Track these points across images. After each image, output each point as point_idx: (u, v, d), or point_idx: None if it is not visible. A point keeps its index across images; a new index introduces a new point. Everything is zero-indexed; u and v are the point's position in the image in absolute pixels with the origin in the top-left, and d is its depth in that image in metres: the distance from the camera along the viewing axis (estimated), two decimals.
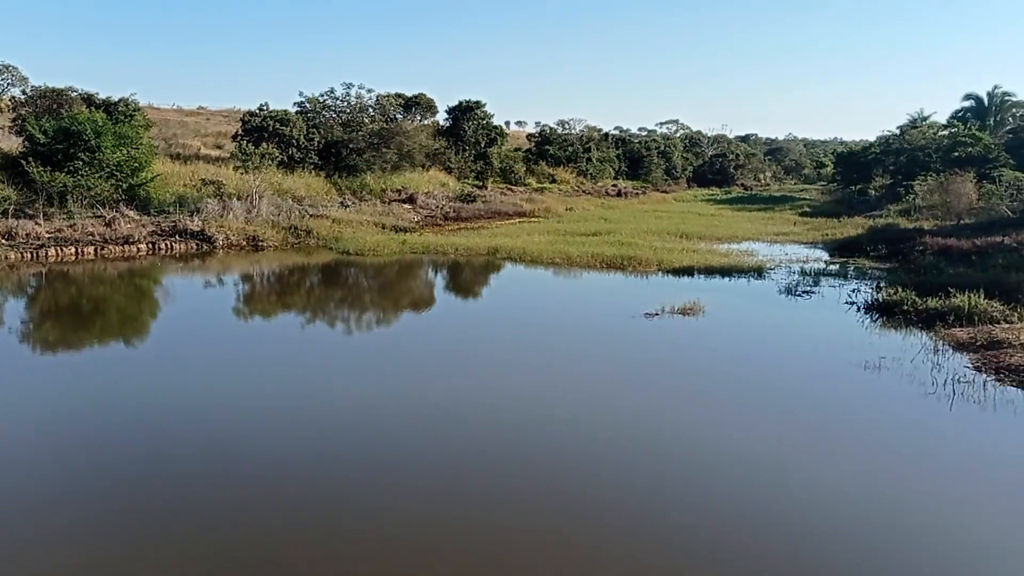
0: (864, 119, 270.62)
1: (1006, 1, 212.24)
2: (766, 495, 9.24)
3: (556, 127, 79.92)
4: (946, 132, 60.16)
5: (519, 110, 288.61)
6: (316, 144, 45.87)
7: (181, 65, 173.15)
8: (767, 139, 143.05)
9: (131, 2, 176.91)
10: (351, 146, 47.07)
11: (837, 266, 28.16)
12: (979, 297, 18.29)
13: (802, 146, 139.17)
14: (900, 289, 20.26)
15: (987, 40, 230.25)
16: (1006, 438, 11.45)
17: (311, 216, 35.95)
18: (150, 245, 29.20)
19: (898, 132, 67.31)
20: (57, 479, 9.37)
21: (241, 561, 7.65)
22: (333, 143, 46.95)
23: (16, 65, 49.06)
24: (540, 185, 64.67)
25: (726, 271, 26.07)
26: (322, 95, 49.13)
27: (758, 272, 26.06)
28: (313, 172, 44.61)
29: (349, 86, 49.50)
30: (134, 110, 37.49)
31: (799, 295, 22.15)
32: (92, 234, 28.65)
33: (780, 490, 9.43)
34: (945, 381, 13.63)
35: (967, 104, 65.14)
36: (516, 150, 68.92)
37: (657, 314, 18.94)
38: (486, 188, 55.67)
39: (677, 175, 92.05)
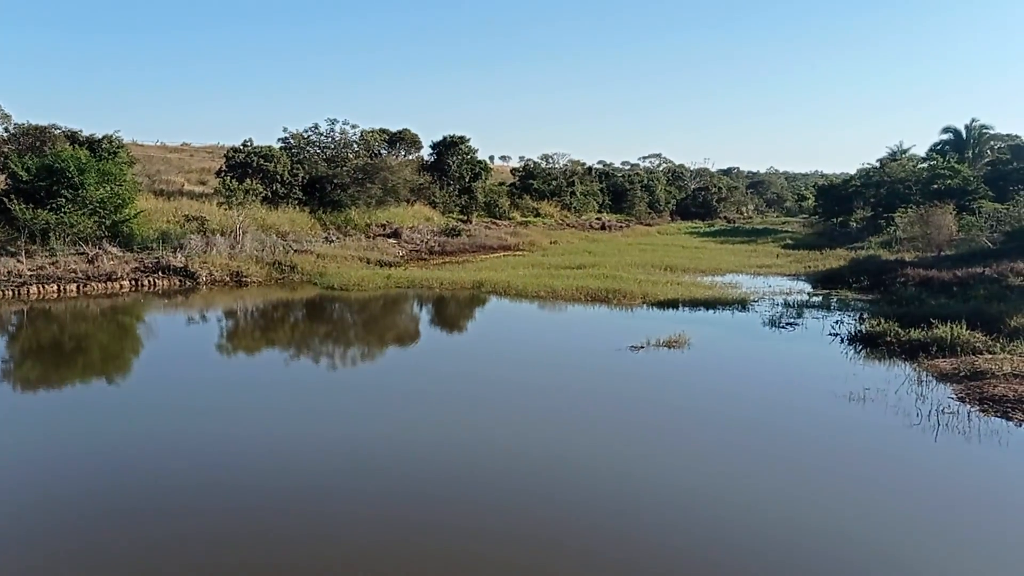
0: (844, 152, 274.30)
1: (983, 36, 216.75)
2: (750, 527, 9.19)
3: (540, 161, 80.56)
4: (925, 164, 61.00)
5: (503, 145, 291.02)
6: (300, 179, 45.96)
7: (165, 102, 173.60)
8: (749, 172, 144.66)
9: (114, 39, 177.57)
10: (335, 181, 47.18)
11: (820, 298, 28.33)
12: (961, 328, 18.42)
13: (783, 179, 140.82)
14: (883, 320, 20.39)
15: (965, 74, 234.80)
16: (991, 468, 11.47)
17: (295, 251, 35.90)
18: (133, 282, 29.03)
19: (878, 165, 68.22)
20: (36, 513, 9.21)
21: None
22: (317, 178, 47.04)
23: None
24: (524, 219, 64.97)
25: (710, 303, 26.17)
26: (306, 131, 49.37)
27: (742, 304, 26.18)
28: (297, 207, 44.64)
29: (333, 122, 49.78)
30: (118, 147, 37.49)
31: (783, 327, 22.25)
32: (75, 271, 28.47)
33: (764, 522, 9.39)
34: (929, 412, 13.68)
35: (946, 137, 66.11)
36: (500, 184, 69.34)
37: (642, 347, 18.96)
38: (471, 222, 55.84)
39: (660, 208, 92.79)
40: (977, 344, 17.69)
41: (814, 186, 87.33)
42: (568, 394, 15.36)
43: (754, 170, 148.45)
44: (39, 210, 30.36)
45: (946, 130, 66.13)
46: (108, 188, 32.50)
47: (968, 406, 14.04)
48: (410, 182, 51.57)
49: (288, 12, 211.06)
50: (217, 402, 15.00)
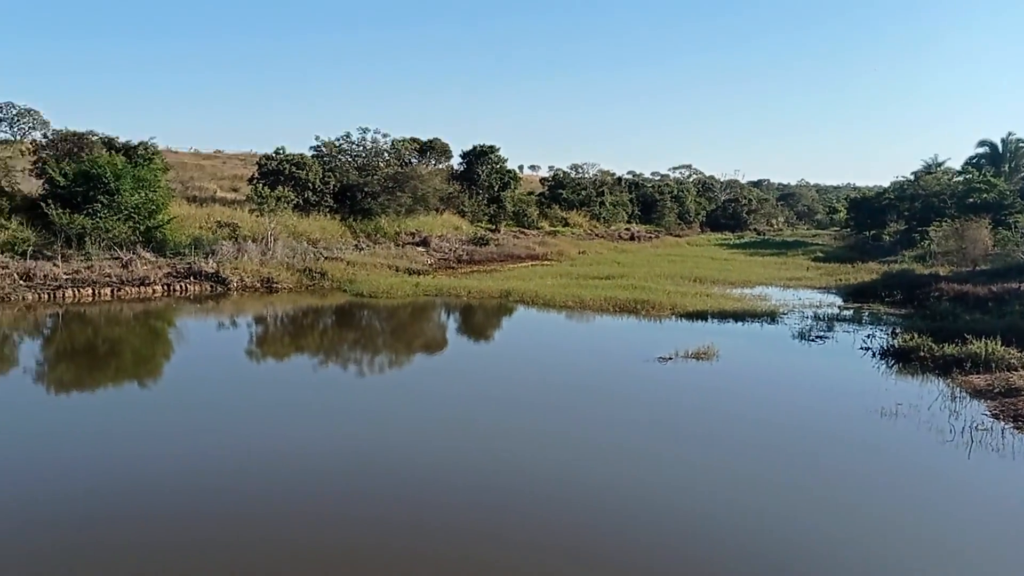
0: (878, 165, 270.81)
1: (1020, 49, 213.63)
2: (780, 542, 9.09)
3: (569, 171, 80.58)
4: (961, 178, 60.12)
5: (532, 154, 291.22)
6: (331, 187, 46.31)
7: (199, 109, 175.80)
8: (779, 184, 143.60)
9: (149, 47, 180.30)
10: (366, 190, 47.50)
11: (851, 311, 28.00)
12: (996, 344, 18.11)
13: (815, 192, 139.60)
14: (916, 335, 20.09)
15: (1001, 87, 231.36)
16: None
17: (325, 259, 36.17)
18: (165, 287, 29.41)
19: (912, 178, 67.34)
20: (64, 518, 9.34)
21: None
22: (348, 187, 47.39)
23: (38, 109, 50.10)
24: (553, 228, 64.94)
25: (739, 315, 25.96)
26: (338, 139, 49.76)
27: (771, 316, 25.94)
28: (328, 215, 44.98)
29: (365, 131, 50.15)
30: (153, 153, 38.04)
31: (813, 340, 22.01)
32: (109, 275, 28.90)
33: (793, 537, 9.28)
34: (963, 429, 13.45)
35: (981, 151, 65.14)
36: (529, 194, 69.38)
37: (671, 358, 18.85)
38: (499, 231, 55.94)
39: (690, 219, 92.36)
40: (1012, 361, 17.37)
41: (846, 199, 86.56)
42: (594, 404, 15.30)
43: (785, 182, 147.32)
44: (75, 215, 30.88)
45: (982, 143, 65.21)
46: (143, 194, 32.99)
47: (1002, 423, 13.79)
48: (439, 191, 51.80)
49: (322, 22, 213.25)
50: (246, 406, 15.13)
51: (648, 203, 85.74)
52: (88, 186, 31.79)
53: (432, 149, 55.60)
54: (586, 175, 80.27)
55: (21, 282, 27.17)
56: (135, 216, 32.64)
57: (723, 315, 25.99)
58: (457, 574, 8.27)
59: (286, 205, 39.20)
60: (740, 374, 18.01)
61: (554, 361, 19.69)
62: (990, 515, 10.22)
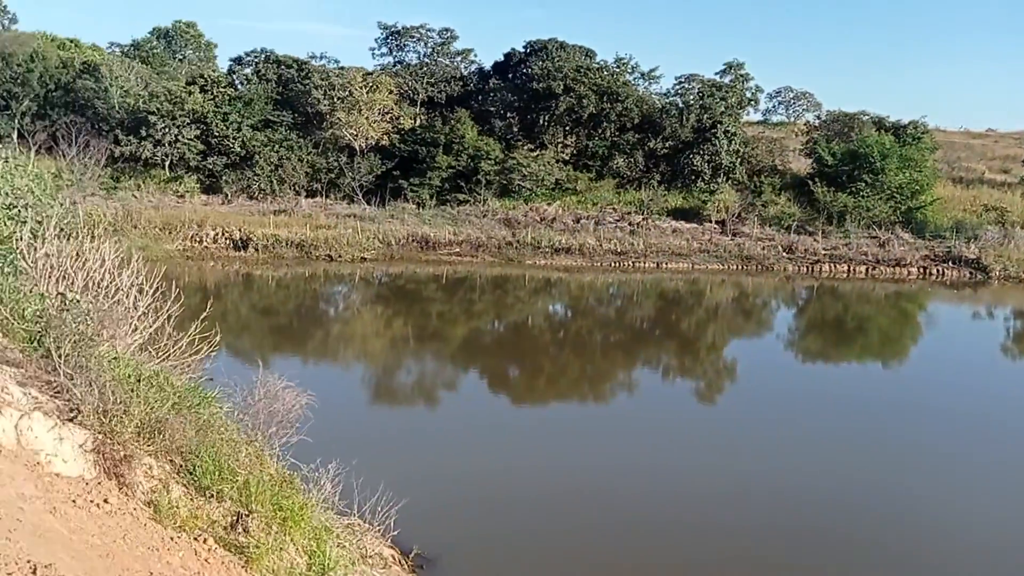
0: None
1: None
2: None
3: None
4: None
5: None
6: None
7: (969, 87, 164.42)
8: None
9: (924, 33, 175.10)
10: None
11: None
12: None
13: None
14: None
15: None
16: None
17: None
18: (921, 269, 28.57)
19: None
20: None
21: None
22: None
23: (812, 92, 53.33)
24: None
25: None
26: None
27: None
28: None
29: None
30: (922, 133, 37.04)
31: None
32: (865, 254, 29.33)
33: None
34: None
35: None
36: None
37: None
38: None
39: None
40: None
41: None
42: None
43: None
44: (839, 193, 32.03)
45: None
46: (907, 174, 32.47)
47: None
48: None
49: None
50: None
51: None
52: (853, 165, 32.62)
53: None
54: None
55: (784, 254, 29.41)
56: (897, 196, 32.36)
57: None
58: None
59: None
60: None
61: None
62: None
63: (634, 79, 37.63)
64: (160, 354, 7.88)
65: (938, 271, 28.51)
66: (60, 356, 5.77)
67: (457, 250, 28.14)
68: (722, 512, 8.86)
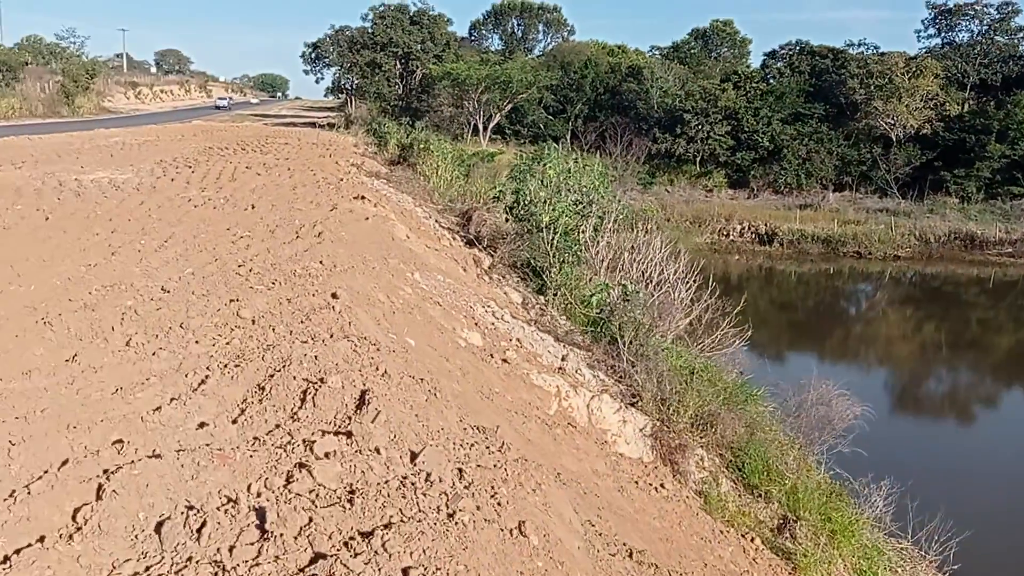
0: None
1: None
2: None
3: None
4: None
5: None
6: None
7: None
8: None
9: None
10: None
11: None
12: None
13: None
14: None
15: None
16: None
17: None
18: None
19: None
20: None
21: None
22: None
23: None
24: None
25: None
26: None
27: None
28: None
29: None
30: None
31: None
32: None
33: None
34: None
35: None
36: None
37: None
38: None
39: None
40: None
41: None
42: None
43: None
44: None
45: None
46: None
47: None
48: None
49: None
50: None
51: None
52: None
53: None
54: None
55: None
56: None
57: None
58: None
59: None
60: None
61: None
62: None
63: None
64: (697, 345, 8.13)
65: None
66: (624, 344, 6.26)
67: (1009, 250, 24.77)
68: None
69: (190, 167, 11.93)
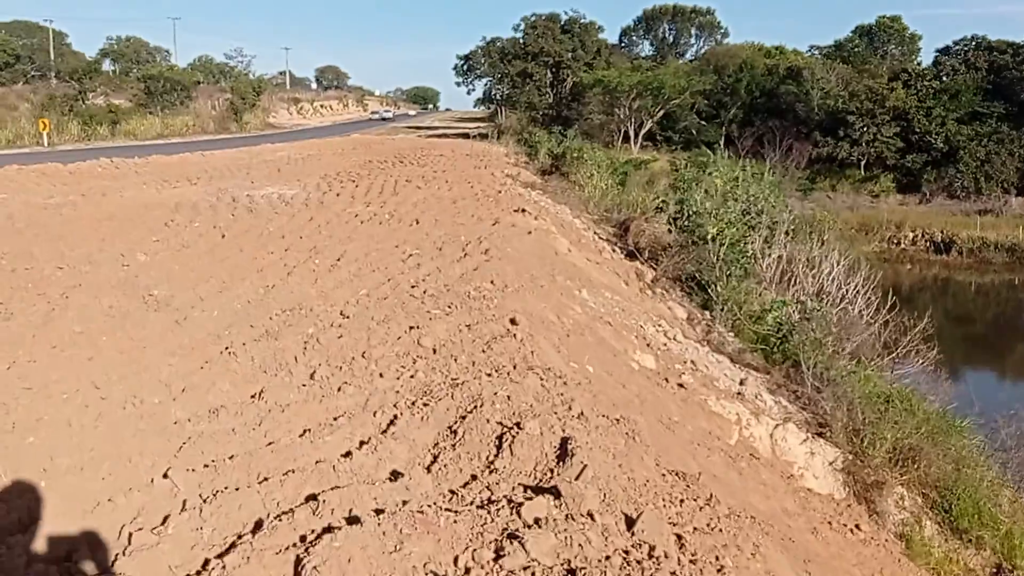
0: None
1: None
2: None
3: None
4: None
5: None
6: None
7: None
8: None
9: None
10: None
11: None
12: None
13: None
14: None
15: None
16: None
17: None
18: None
19: None
20: None
21: None
22: None
23: None
24: None
25: None
26: None
27: None
28: None
29: None
30: None
31: None
32: None
33: None
34: None
35: None
36: None
37: None
38: None
39: None
40: None
41: None
42: None
43: None
44: None
45: None
46: None
47: None
48: None
49: None
50: None
51: None
52: None
53: None
54: None
55: None
56: None
57: None
58: None
59: None
60: None
61: None
62: None
63: None
64: (875, 365, 7.47)
65: None
66: (808, 367, 5.79)
67: None
68: None
69: (353, 181, 12.23)
